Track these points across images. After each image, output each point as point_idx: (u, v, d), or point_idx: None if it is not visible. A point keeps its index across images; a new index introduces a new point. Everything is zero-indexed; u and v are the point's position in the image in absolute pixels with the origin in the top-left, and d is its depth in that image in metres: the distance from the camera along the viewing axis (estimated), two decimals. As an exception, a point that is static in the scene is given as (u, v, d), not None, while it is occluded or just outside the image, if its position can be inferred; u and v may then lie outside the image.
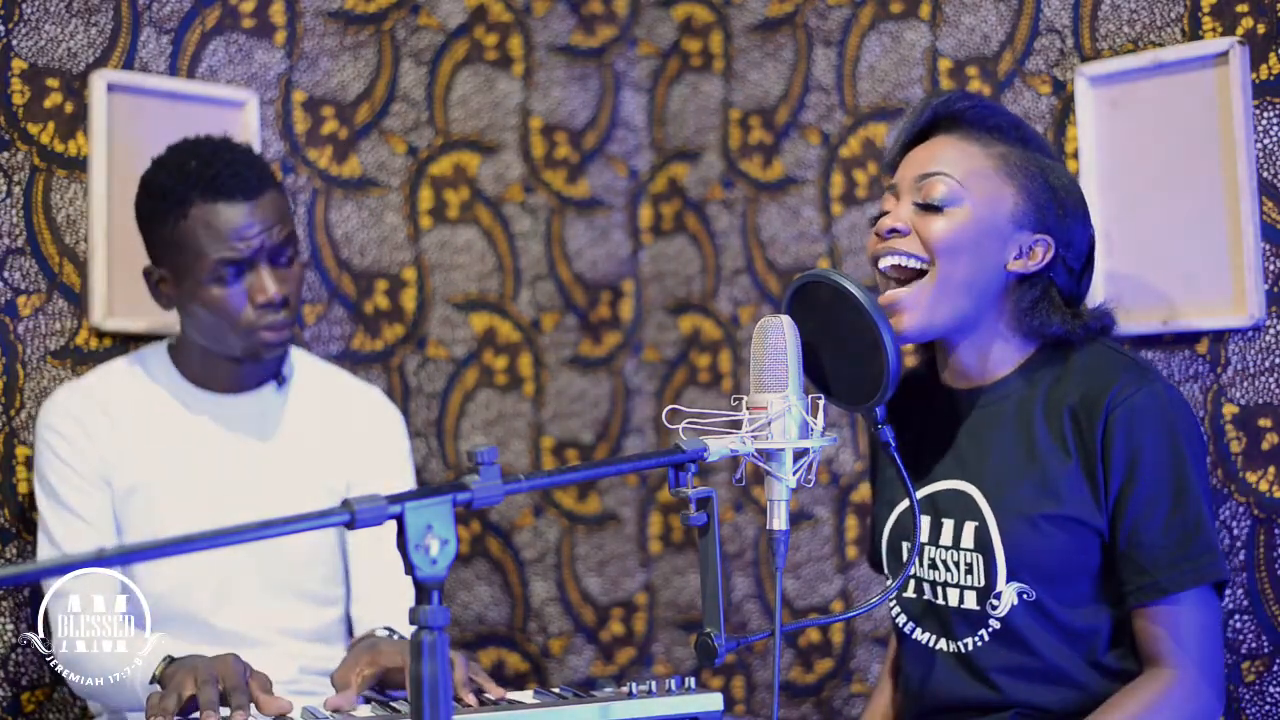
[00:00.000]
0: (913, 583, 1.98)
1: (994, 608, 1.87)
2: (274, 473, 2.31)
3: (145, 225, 2.25)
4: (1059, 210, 1.91)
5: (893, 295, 1.89)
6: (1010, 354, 1.94)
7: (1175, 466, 1.82)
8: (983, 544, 1.88)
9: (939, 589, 1.93)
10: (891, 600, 1.99)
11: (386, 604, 2.27)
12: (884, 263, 1.91)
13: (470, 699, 1.79)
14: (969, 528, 1.90)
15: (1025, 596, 1.86)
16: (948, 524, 1.93)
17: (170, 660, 1.90)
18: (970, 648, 1.91)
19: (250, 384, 2.32)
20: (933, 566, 1.94)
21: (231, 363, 2.27)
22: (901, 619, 1.99)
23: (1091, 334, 1.92)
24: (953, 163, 1.90)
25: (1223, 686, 1.85)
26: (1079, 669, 1.86)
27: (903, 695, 2.05)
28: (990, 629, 1.89)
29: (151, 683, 1.90)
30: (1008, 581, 1.86)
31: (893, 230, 1.89)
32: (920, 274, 1.89)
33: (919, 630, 1.97)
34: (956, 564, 1.91)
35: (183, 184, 2.18)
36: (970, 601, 1.90)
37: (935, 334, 1.92)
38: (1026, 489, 1.87)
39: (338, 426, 2.38)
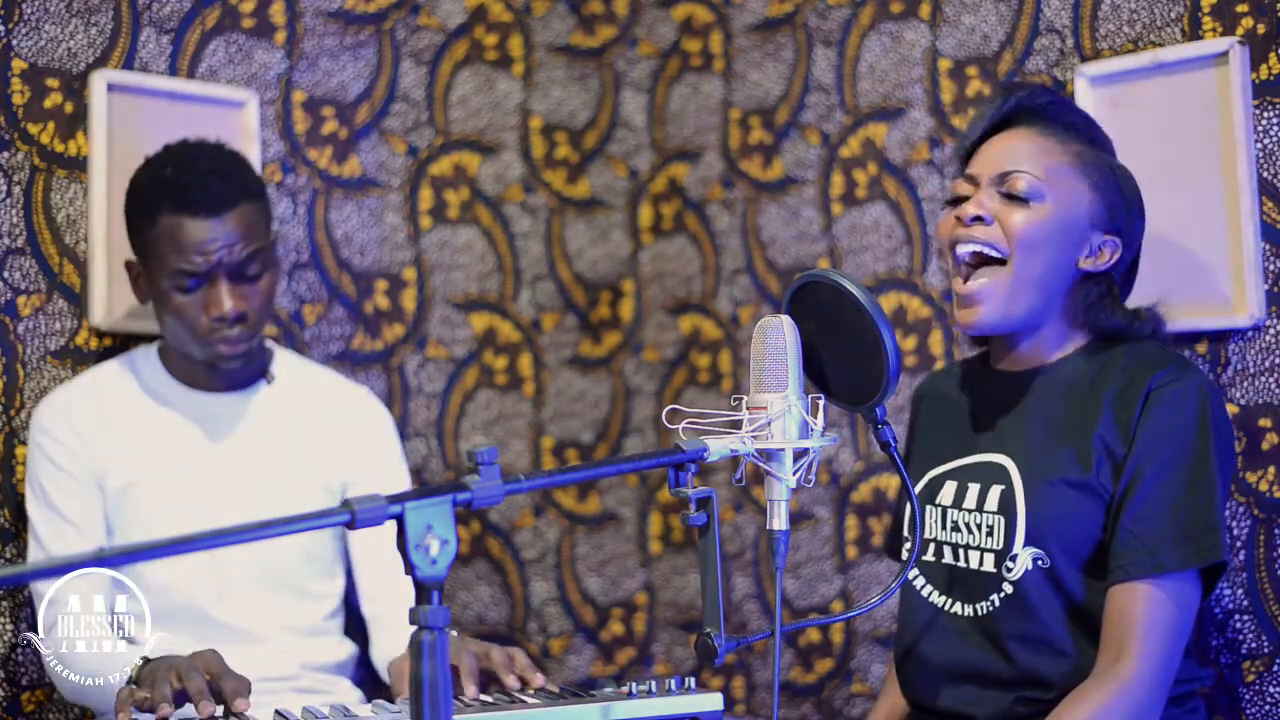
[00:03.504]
0: (934, 547, 2.02)
1: (1009, 570, 1.91)
2: (263, 470, 2.32)
3: (126, 221, 2.28)
4: (1127, 212, 1.98)
5: (971, 287, 1.94)
6: (1062, 343, 2.00)
7: (1199, 454, 1.86)
8: (1006, 507, 1.93)
9: (959, 551, 1.98)
10: (912, 572, 2.03)
11: (399, 599, 2.28)
12: (962, 249, 1.96)
13: (511, 680, 1.79)
14: (995, 491, 1.95)
15: (1040, 563, 1.89)
16: (974, 488, 1.98)
17: (146, 661, 1.89)
18: (984, 611, 1.93)
19: (236, 383, 2.34)
20: (955, 529, 1.98)
21: (206, 363, 2.28)
22: (919, 581, 2.02)
23: (1145, 332, 1.99)
24: (1032, 158, 1.95)
25: (1168, 687, 1.85)
26: (1080, 643, 1.88)
27: (913, 668, 2.05)
28: (1003, 593, 1.92)
29: (128, 684, 1.89)
30: (1025, 545, 1.90)
31: (976, 218, 1.94)
32: (997, 263, 1.93)
33: (936, 594, 2.00)
34: (979, 526, 1.95)
35: (155, 191, 2.21)
36: (988, 564, 1.94)
37: (1009, 328, 1.98)
38: (1056, 456, 1.92)
39: (328, 424, 2.39)
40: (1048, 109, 2.00)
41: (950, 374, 2.19)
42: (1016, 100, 2.01)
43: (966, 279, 1.95)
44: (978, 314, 1.94)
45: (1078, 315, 1.98)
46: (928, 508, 2.03)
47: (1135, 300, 2.05)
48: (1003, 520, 1.93)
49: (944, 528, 2.01)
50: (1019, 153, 1.96)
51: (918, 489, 2.06)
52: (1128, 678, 1.80)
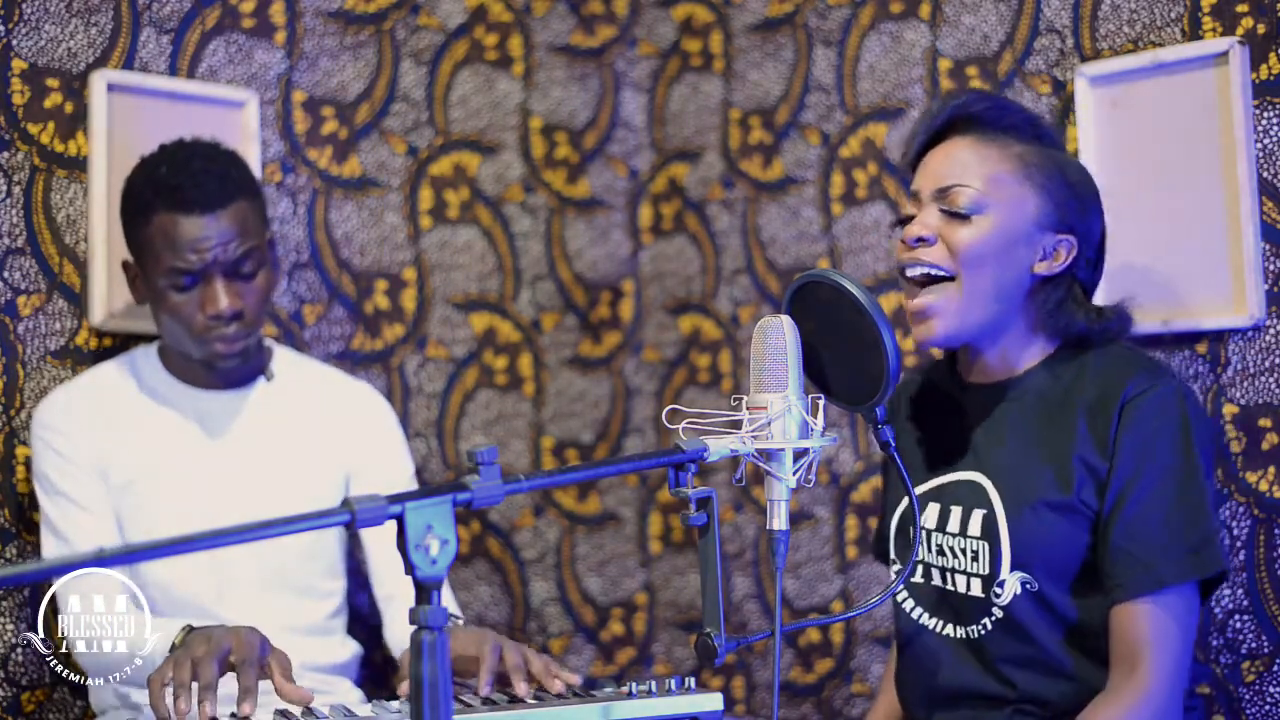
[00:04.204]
0: (922, 568, 2.00)
1: (997, 595, 1.89)
2: (265, 466, 2.33)
3: (122, 221, 2.29)
4: (1079, 207, 1.93)
5: (920, 303, 1.91)
6: (1031, 352, 1.96)
7: (1184, 462, 1.83)
8: (989, 532, 1.90)
9: (947, 575, 1.95)
10: (900, 589, 2.01)
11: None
12: (911, 272, 1.93)
13: (522, 688, 1.78)
14: (977, 515, 1.92)
15: (1028, 586, 1.87)
16: (956, 511, 1.95)
17: (190, 629, 1.88)
18: (975, 635, 1.92)
19: (235, 380, 2.35)
20: (940, 553, 1.96)
21: (204, 362, 2.29)
22: (909, 604, 2.00)
23: (1112, 333, 1.94)
24: (972, 168, 1.91)
25: (1182, 698, 1.84)
26: (1078, 661, 1.87)
27: (907, 686, 2.05)
28: (994, 617, 1.90)
29: (172, 650, 1.88)
30: (1012, 570, 1.88)
31: (919, 239, 1.91)
32: (945, 280, 1.90)
33: (928, 616, 1.98)
34: (963, 550, 1.93)
35: (149, 190, 2.21)
36: (975, 589, 1.92)
37: (965, 340, 1.95)
38: (1036, 478, 1.89)
39: (329, 418, 2.40)
40: (986, 114, 1.95)
41: (920, 382, 2.15)
42: (952, 109, 1.96)
43: (914, 296, 1.92)
44: (932, 329, 1.90)
45: (1041, 321, 1.94)
46: (910, 530, 2.00)
47: (1138, 303, 2.03)
48: (987, 546, 1.90)
49: (930, 550, 1.98)
50: (958, 164, 1.92)
51: (900, 509, 2.03)
52: (1144, 692, 1.79)
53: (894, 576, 2.02)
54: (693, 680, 1.69)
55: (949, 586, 1.95)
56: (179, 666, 1.75)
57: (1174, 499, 1.82)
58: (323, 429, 2.39)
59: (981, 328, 1.93)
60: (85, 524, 2.21)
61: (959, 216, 1.90)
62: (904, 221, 1.98)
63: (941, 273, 1.91)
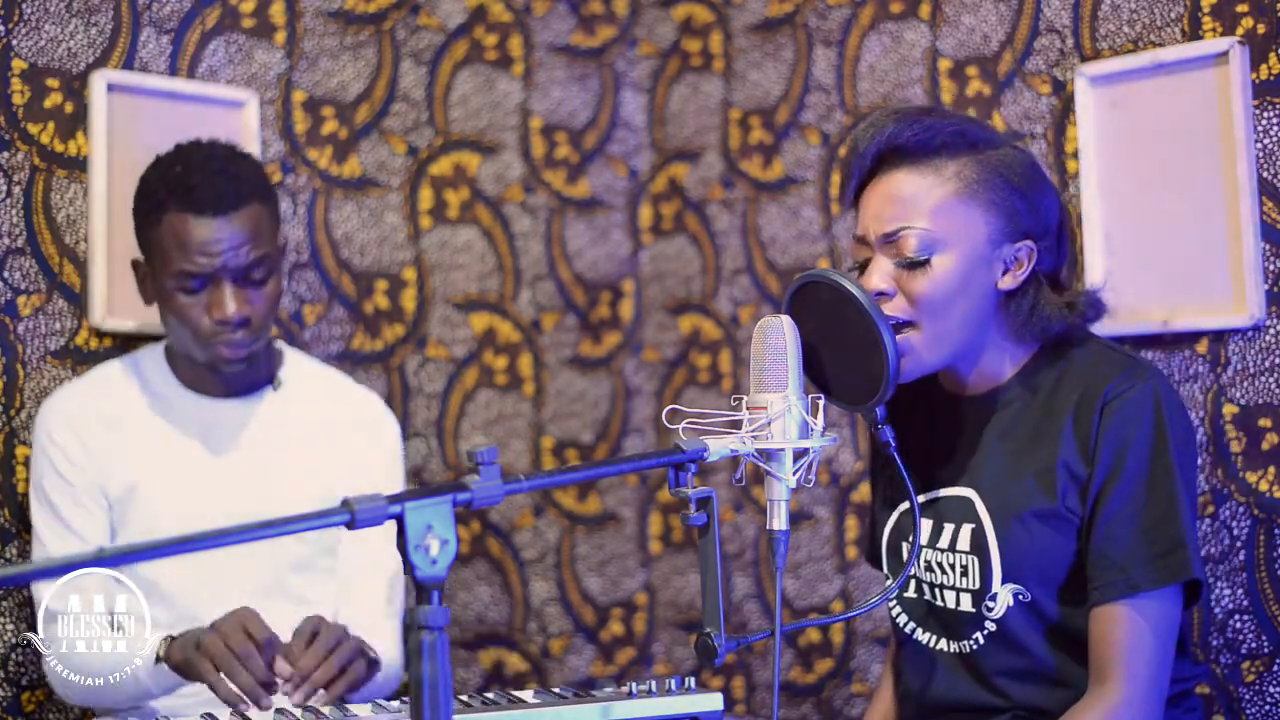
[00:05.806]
0: (913, 583, 1.97)
1: (989, 610, 1.87)
2: (267, 477, 2.30)
3: (134, 221, 2.28)
4: (1028, 206, 1.86)
5: None
6: (1010, 360, 1.92)
7: (1159, 465, 1.80)
8: (978, 546, 1.88)
9: (937, 590, 1.93)
10: (892, 601, 1.99)
11: (360, 603, 2.29)
12: None
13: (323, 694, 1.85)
14: (965, 530, 1.90)
15: (1020, 598, 1.85)
16: (948, 527, 1.92)
17: (171, 640, 1.89)
18: (969, 649, 1.90)
19: (242, 388, 2.32)
20: (929, 569, 1.94)
21: (209, 365, 2.27)
22: (902, 619, 1.99)
23: (1089, 322, 1.91)
24: (914, 204, 1.83)
25: (1163, 704, 1.82)
26: (1073, 669, 1.86)
27: (902, 697, 2.04)
28: (987, 631, 1.88)
29: (156, 662, 1.88)
30: (1003, 583, 1.86)
31: (880, 294, 1.84)
32: (910, 324, 1.84)
33: (920, 631, 1.97)
34: (952, 566, 1.91)
35: (163, 189, 2.20)
36: (966, 604, 1.89)
37: (937, 369, 1.89)
38: (1023, 489, 1.86)
39: (333, 432, 2.37)
40: (914, 143, 1.85)
41: (906, 393, 2.03)
42: (878, 144, 1.86)
43: None
44: (902, 368, 1.81)
45: (1017, 329, 1.88)
46: (902, 545, 1.97)
47: (1138, 303, 2.02)
48: (976, 560, 1.88)
49: (919, 566, 1.95)
50: (900, 203, 1.84)
51: (891, 523, 2.01)
52: (1115, 702, 1.77)
53: (888, 584, 2.00)
54: (693, 680, 1.69)
55: (937, 602, 1.93)
56: (206, 677, 1.84)
57: (1146, 503, 1.80)
58: (324, 448, 2.35)
59: (954, 356, 1.88)
60: (74, 547, 2.20)
61: (912, 264, 1.83)
62: (861, 267, 1.89)
63: (904, 320, 1.84)
